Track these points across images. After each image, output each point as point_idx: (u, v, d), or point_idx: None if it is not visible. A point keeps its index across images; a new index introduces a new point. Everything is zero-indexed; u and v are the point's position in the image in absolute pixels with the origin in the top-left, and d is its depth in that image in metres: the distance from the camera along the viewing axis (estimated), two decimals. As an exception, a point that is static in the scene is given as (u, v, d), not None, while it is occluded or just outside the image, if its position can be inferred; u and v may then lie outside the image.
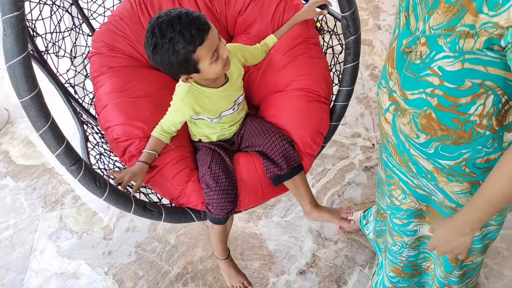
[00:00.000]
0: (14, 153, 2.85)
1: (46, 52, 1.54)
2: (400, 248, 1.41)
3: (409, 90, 0.94)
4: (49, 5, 1.55)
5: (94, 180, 1.27)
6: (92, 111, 1.68)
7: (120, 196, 1.34)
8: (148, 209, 1.40)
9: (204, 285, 1.99)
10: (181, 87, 1.41)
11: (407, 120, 0.99)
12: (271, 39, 1.60)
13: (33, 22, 1.46)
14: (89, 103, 1.70)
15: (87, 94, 1.70)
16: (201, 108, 1.44)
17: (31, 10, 1.45)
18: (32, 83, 1.09)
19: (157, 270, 2.07)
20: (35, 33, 1.47)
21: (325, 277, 1.83)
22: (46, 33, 1.54)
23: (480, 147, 0.92)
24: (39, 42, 1.51)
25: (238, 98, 1.51)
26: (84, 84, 1.71)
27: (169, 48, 1.20)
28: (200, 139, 1.61)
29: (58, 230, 2.35)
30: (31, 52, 1.48)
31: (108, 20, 1.72)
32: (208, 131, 1.56)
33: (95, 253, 2.21)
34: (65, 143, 1.18)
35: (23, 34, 1.06)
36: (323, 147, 1.59)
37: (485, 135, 0.90)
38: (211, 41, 1.23)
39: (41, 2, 1.50)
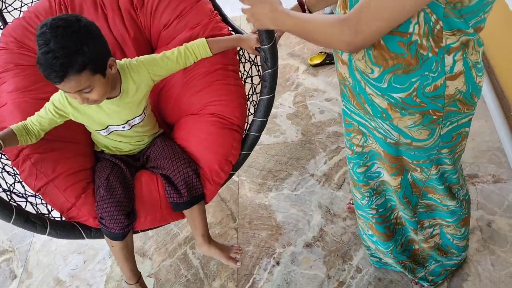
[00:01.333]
0: None
1: None
2: (369, 199, 1.42)
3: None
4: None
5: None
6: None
7: (1, 206, 1.24)
8: (31, 221, 1.31)
9: None
10: None
11: (361, 55, 1.05)
12: (201, 42, 1.45)
13: None
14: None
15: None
16: (78, 115, 1.37)
17: None
18: None
19: (167, 232, 2.03)
20: None
21: (331, 252, 1.82)
22: None
23: (427, 73, 0.98)
24: None
25: (134, 119, 1.43)
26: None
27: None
28: (102, 150, 1.54)
29: None
30: None
31: (22, 15, 1.62)
32: (105, 141, 1.50)
33: None
34: None
35: None
36: (231, 175, 1.57)
37: (428, 58, 0.96)
38: (61, 87, 1.20)
39: None
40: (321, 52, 2.57)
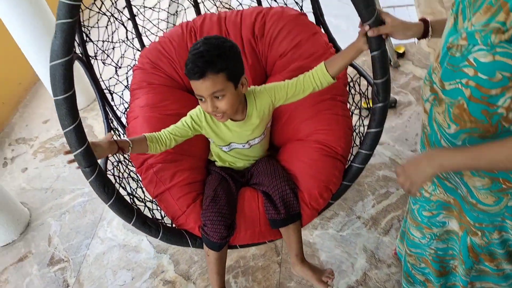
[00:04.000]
0: (98, 128, 2.98)
1: (94, 58, 1.66)
2: (430, 240, 1.41)
3: (447, 81, 1.03)
4: (107, 16, 1.68)
5: (103, 186, 1.34)
6: (124, 120, 1.78)
7: (124, 206, 1.39)
8: (148, 224, 1.45)
9: (253, 281, 1.99)
10: None
11: (442, 109, 1.07)
12: (319, 66, 1.42)
13: (89, 28, 1.58)
14: (123, 111, 1.79)
15: (122, 103, 1.80)
16: (209, 130, 1.48)
17: (89, 17, 1.57)
18: (69, 85, 1.19)
19: None
20: (88, 38, 1.59)
21: (373, 298, 1.80)
22: (98, 40, 1.65)
23: None
24: (90, 47, 1.62)
25: (254, 139, 1.55)
26: (122, 94, 1.81)
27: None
28: (215, 160, 1.66)
29: None
30: (80, 55, 1.60)
31: (158, 40, 1.83)
32: (221, 154, 1.62)
33: None
34: (85, 145, 1.26)
35: (70, 40, 1.15)
36: (330, 204, 1.59)
37: (509, 130, 0.97)
38: (196, 87, 1.31)
39: (100, 12, 1.62)
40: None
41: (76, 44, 1.55)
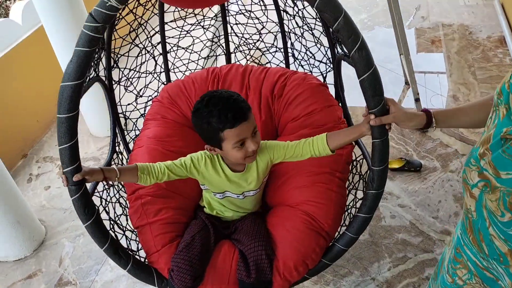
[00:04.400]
0: (125, 155, 3.00)
1: (118, 83, 1.75)
2: None
3: (503, 170, 0.99)
4: (139, 48, 1.77)
5: (84, 207, 1.38)
6: (131, 146, 1.83)
7: (99, 231, 1.41)
8: (119, 254, 1.46)
9: None
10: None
11: (496, 197, 1.02)
12: (320, 136, 1.44)
13: (118, 55, 1.67)
14: (133, 138, 1.86)
15: (134, 130, 1.86)
16: (207, 175, 1.49)
17: (121, 45, 1.66)
18: (74, 107, 1.25)
19: None
20: (115, 64, 1.68)
21: None
22: (125, 68, 1.74)
23: None
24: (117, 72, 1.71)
25: (249, 191, 1.55)
26: (136, 121, 1.88)
27: (205, 117, 1.33)
28: (204, 206, 1.67)
29: None
30: (104, 78, 1.69)
31: (183, 78, 1.90)
32: (212, 201, 1.62)
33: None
34: (76, 164, 1.31)
35: (84, 66, 1.22)
36: (305, 278, 1.56)
37: None
38: (241, 131, 1.33)
39: (133, 43, 1.71)
40: (401, 158, 2.53)
41: (102, 67, 1.64)
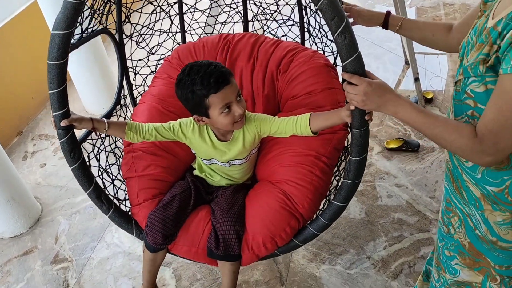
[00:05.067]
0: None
1: (129, 37, 1.79)
2: (442, 286, 1.41)
3: (457, 116, 1.10)
4: (154, 6, 1.79)
5: (70, 151, 1.46)
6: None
7: (84, 175, 1.50)
8: (101, 200, 1.55)
9: None
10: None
11: None
12: (304, 115, 1.43)
13: (130, 10, 1.70)
14: (140, 93, 1.92)
15: (143, 85, 1.92)
16: (194, 141, 1.53)
17: (133, 1, 1.69)
18: (61, 55, 1.31)
19: (214, 278, 2.07)
20: (127, 19, 1.72)
21: None
22: (137, 24, 1.77)
23: None
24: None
25: (235, 160, 1.57)
26: (146, 77, 1.93)
27: (189, 86, 1.35)
28: (195, 168, 1.71)
29: None
30: (115, 31, 1.74)
31: (194, 42, 1.91)
32: (202, 164, 1.66)
33: None
34: (64, 109, 1.39)
35: (71, 18, 1.25)
36: (276, 254, 1.58)
37: None
38: (226, 94, 1.35)
39: (151, 3, 1.74)
40: (399, 138, 2.52)
41: (113, 20, 1.69)
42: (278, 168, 1.60)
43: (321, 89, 1.67)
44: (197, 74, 1.34)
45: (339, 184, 1.52)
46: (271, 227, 1.50)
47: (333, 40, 1.18)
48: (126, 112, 1.89)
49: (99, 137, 1.68)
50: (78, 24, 1.41)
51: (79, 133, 1.53)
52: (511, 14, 0.93)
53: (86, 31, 1.52)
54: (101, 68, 2.95)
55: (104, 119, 1.49)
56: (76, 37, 1.48)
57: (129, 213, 1.64)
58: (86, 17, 1.47)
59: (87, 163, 1.55)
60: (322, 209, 1.57)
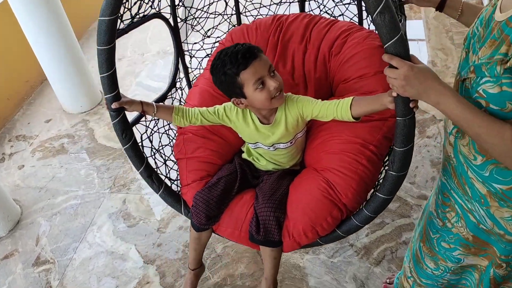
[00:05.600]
0: (98, 132, 3.02)
1: (184, 21, 1.82)
2: (443, 272, 1.40)
3: None
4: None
5: (122, 131, 1.53)
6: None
7: (135, 155, 1.57)
8: (152, 179, 1.62)
9: None
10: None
11: (466, 141, 1.10)
12: (346, 99, 1.37)
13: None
14: (196, 76, 1.94)
15: (198, 68, 1.94)
16: (238, 125, 1.53)
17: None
18: (108, 40, 1.36)
19: None
20: (180, 3, 1.74)
21: (359, 330, 1.80)
22: (191, 7, 1.79)
23: None
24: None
25: (279, 144, 1.54)
26: (202, 60, 1.95)
27: (220, 68, 1.37)
28: (243, 151, 1.72)
29: (119, 211, 2.46)
30: (169, 15, 1.77)
31: (248, 24, 1.89)
32: (251, 150, 1.66)
33: (146, 242, 2.28)
34: (115, 92, 1.46)
35: (115, 4, 1.30)
36: (318, 243, 1.55)
37: None
38: (256, 69, 1.34)
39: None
40: None
41: (167, 4, 1.73)
42: (323, 155, 1.55)
43: (374, 72, 1.56)
44: (225, 55, 1.36)
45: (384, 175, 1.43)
46: (312, 216, 1.46)
47: (372, 21, 1.08)
48: (182, 95, 1.93)
49: (153, 119, 1.74)
50: (126, 9, 1.46)
51: (131, 116, 1.60)
52: None
53: (137, 16, 1.56)
54: (77, 66, 2.97)
55: (153, 102, 1.54)
56: (126, 22, 1.53)
57: (179, 193, 1.70)
58: (135, 2, 1.50)
59: (140, 143, 1.62)
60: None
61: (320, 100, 1.44)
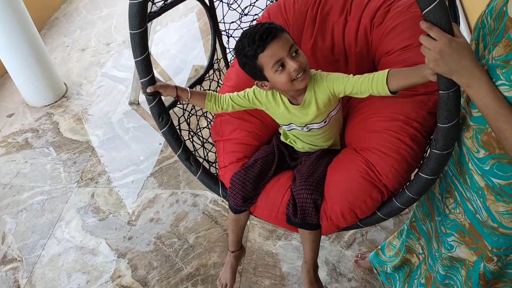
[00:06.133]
0: (63, 126, 3.00)
1: (220, 0, 1.77)
2: (438, 257, 1.44)
3: (475, 108, 1.04)
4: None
5: (159, 115, 1.53)
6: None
7: (173, 137, 1.57)
8: (189, 162, 1.61)
9: None
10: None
11: (470, 134, 1.09)
12: (381, 72, 1.27)
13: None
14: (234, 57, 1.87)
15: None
16: (270, 106, 1.49)
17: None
18: (140, 23, 1.34)
19: (171, 265, 2.10)
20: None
21: (331, 312, 1.80)
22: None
23: None
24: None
25: (312, 124, 1.49)
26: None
27: (241, 51, 1.33)
28: (280, 133, 1.68)
29: (87, 206, 2.45)
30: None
31: (285, 1, 1.81)
32: (286, 132, 1.62)
33: (117, 235, 2.27)
34: (150, 76, 1.45)
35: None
36: (358, 226, 1.49)
37: None
38: (274, 50, 1.29)
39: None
40: None
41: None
42: (363, 134, 1.47)
43: (419, 43, 1.44)
44: (245, 37, 1.31)
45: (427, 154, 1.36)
46: (349, 198, 1.40)
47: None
48: (220, 76, 1.90)
49: (188, 104, 1.70)
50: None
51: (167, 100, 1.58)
52: None
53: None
54: (38, 58, 2.92)
55: (188, 88, 1.53)
56: (159, 4, 1.51)
57: (217, 175, 1.68)
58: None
59: (178, 126, 1.61)
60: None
61: (352, 75, 1.35)
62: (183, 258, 2.10)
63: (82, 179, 2.59)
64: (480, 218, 1.18)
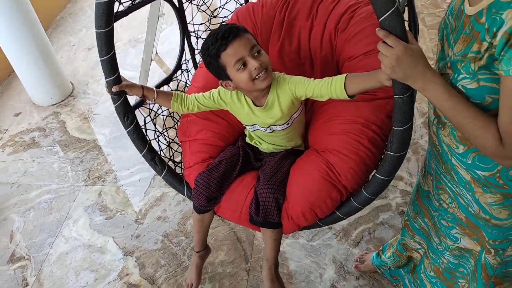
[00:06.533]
0: (70, 124, 3.01)
1: (189, 1, 1.79)
2: (443, 249, 1.45)
3: None
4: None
5: (124, 114, 1.53)
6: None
7: (138, 137, 1.58)
8: (154, 162, 1.62)
9: (220, 287, 2.01)
10: None
11: (447, 132, 1.13)
12: (340, 76, 1.31)
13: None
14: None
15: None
16: (234, 107, 1.52)
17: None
18: (105, 23, 1.35)
19: (178, 263, 2.09)
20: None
21: (339, 310, 1.81)
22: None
23: None
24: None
25: (275, 126, 1.52)
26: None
27: (205, 51, 1.37)
28: (246, 134, 1.71)
29: (95, 204, 2.45)
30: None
31: (255, 1, 1.84)
32: (251, 133, 1.65)
33: (124, 234, 2.27)
34: (115, 75, 1.46)
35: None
36: (318, 225, 1.54)
37: None
38: (236, 49, 1.32)
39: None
40: None
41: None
42: (325, 136, 1.51)
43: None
44: (209, 36, 1.35)
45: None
46: (310, 198, 1.44)
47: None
48: (188, 77, 1.91)
49: (154, 103, 1.74)
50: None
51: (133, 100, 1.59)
52: (492, 6, 0.88)
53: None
54: (44, 57, 2.92)
55: (154, 88, 1.55)
56: (126, 4, 1.52)
57: (182, 175, 1.70)
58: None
59: (143, 126, 1.63)
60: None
61: (313, 79, 1.38)
62: (191, 256, 2.04)
63: (89, 178, 2.60)
64: (473, 212, 1.20)
